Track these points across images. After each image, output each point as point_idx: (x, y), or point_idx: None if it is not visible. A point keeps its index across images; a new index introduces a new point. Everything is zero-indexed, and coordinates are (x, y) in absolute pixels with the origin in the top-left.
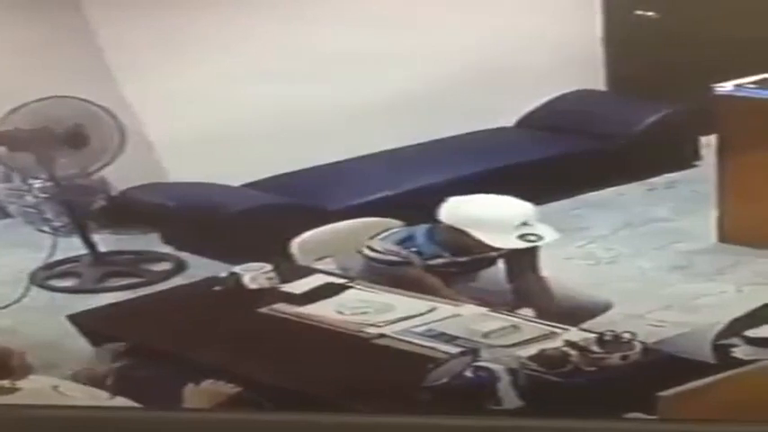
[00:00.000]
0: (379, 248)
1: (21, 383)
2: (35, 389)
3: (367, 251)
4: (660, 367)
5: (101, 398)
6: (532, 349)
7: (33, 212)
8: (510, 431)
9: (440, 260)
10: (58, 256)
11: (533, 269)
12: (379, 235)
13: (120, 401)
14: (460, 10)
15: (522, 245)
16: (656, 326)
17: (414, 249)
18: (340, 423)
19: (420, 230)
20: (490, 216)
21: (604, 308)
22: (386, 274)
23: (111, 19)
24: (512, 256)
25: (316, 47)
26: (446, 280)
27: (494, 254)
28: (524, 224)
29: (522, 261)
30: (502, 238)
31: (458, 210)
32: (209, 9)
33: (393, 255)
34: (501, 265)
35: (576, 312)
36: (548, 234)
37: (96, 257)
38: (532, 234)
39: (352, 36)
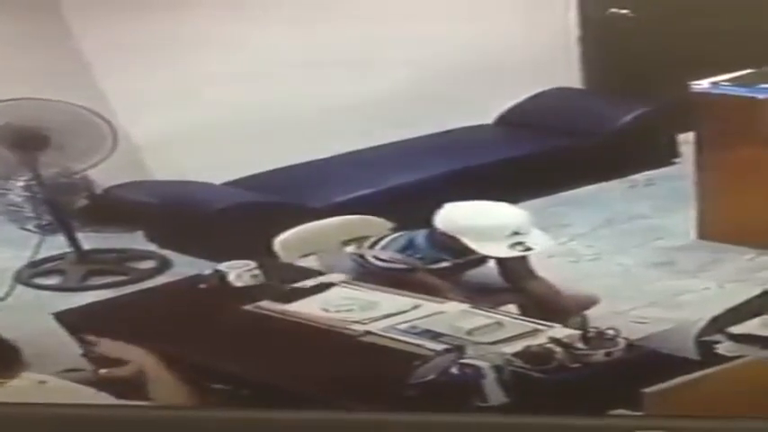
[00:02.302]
0: (384, 257)
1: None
2: (21, 385)
3: (372, 260)
4: (644, 364)
5: (86, 395)
6: (517, 346)
7: (17, 211)
8: (496, 428)
9: (443, 264)
10: (42, 255)
11: (527, 268)
12: (379, 243)
13: (106, 398)
14: (436, 9)
15: (511, 254)
16: (640, 322)
17: (418, 256)
18: (326, 420)
19: (419, 237)
20: (480, 225)
21: (591, 303)
22: (392, 280)
23: (93, 21)
24: (504, 260)
25: (298, 47)
26: (451, 281)
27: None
28: (515, 233)
29: (515, 264)
30: (492, 246)
31: (450, 217)
32: (190, 11)
33: (399, 263)
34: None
35: (566, 307)
36: (540, 242)
37: (80, 255)
38: (522, 243)
39: (330, 36)
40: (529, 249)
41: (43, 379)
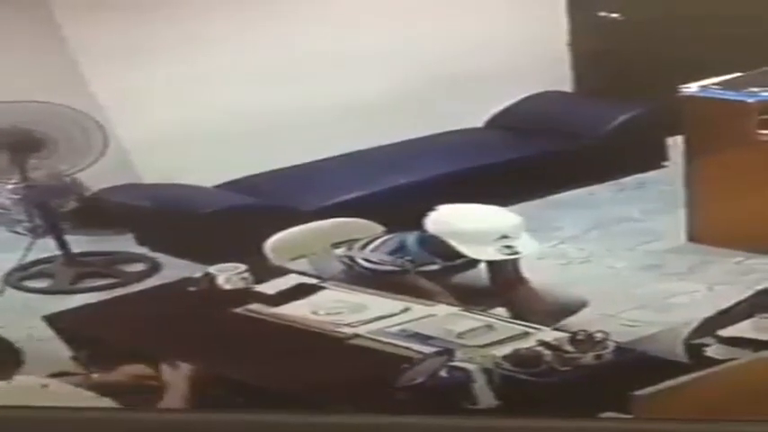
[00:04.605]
0: (374, 259)
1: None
2: (25, 387)
3: (362, 262)
4: (634, 367)
5: (89, 398)
6: (507, 349)
7: (5, 213)
8: (486, 431)
9: (434, 266)
10: (31, 257)
11: (515, 272)
12: (369, 245)
13: (108, 402)
14: (428, 12)
15: (498, 257)
16: (629, 325)
17: (408, 258)
18: (315, 423)
19: (410, 239)
20: (469, 228)
21: (580, 305)
22: (382, 282)
23: (82, 22)
24: (493, 263)
25: (287, 48)
26: (442, 283)
27: None
28: (504, 237)
29: (503, 267)
30: (480, 250)
31: (441, 220)
32: (180, 11)
33: (389, 265)
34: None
35: (553, 310)
36: (528, 247)
37: (70, 258)
38: (510, 247)
39: (323, 38)
40: (516, 253)
41: (45, 382)
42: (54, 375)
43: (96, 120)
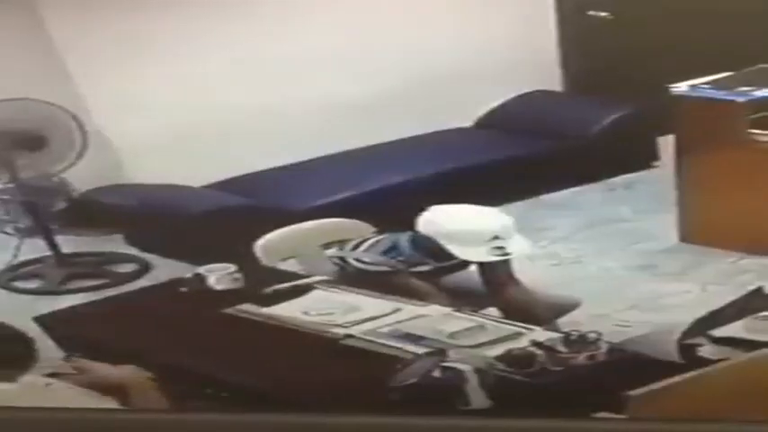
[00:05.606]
0: (367, 260)
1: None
2: (29, 386)
3: (354, 262)
4: (627, 367)
5: (92, 397)
6: (499, 349)
7: None
8: (478, 431)
9: (426, 267)
10: (21, 258)
11: (506, 273)
12: (361, 246)
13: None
14: (418, 12)
15: (490, 258)
16: (622, 326)
17: (400, 259)
18: (308, 423)
19: (402, 240)
20: (461, 230)
21: (573, 306)
22: (374, 283)
23: (68, 20)
24: (485, 264)
25: (278, 48)
26: (434, 284)
27: None
28: (496, 238)
29: (495, 268)
30: (472, 251)
31: (432, 221)
32: (168, 10)
33: (382, 265)
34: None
35: (545, 311)
36: (520, 248)
37: (60, 259)
38: (502, 248)
39: (314, 38)
40: (508, 254)
41: (49, 381)
42: (48, 376)
43: (77, 117)
